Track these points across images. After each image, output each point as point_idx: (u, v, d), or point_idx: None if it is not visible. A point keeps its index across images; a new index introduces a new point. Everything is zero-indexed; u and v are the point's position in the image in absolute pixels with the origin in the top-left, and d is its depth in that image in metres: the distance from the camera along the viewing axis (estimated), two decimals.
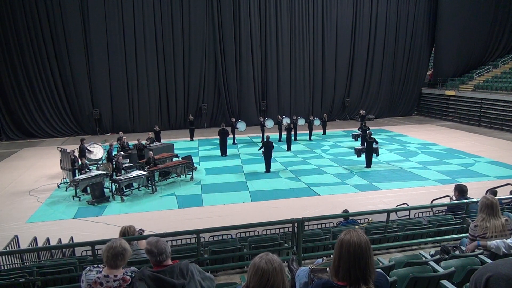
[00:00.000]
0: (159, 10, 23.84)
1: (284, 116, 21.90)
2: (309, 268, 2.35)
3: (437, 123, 25.91)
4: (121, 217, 10.63)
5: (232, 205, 11.44)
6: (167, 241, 2.76)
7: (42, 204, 11.85)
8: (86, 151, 14.60)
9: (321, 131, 22.21)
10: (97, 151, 15.19)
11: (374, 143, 14.97)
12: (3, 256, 6.24)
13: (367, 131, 15.71)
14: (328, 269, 2.27)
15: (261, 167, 15.48)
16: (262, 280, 1.95)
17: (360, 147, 15.77)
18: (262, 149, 14.68)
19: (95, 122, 23.82)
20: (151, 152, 13.47)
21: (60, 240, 8.55)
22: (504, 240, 3.69)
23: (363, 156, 15.27)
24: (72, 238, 8.69)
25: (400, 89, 29.15)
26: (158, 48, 24.21)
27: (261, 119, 20.93)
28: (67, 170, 13.32)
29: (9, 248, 7.14)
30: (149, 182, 12.87)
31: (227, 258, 5.29)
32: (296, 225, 5.15)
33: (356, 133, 18.78)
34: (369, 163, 15.02)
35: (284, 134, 19.38)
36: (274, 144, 19.05)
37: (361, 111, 23.21)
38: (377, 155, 15.47)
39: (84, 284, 2.62)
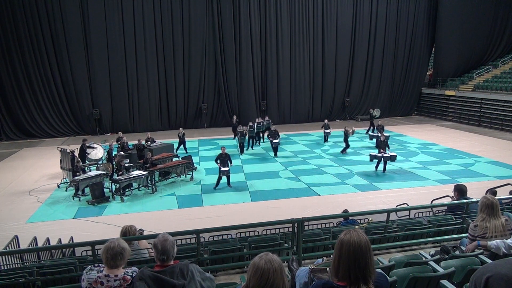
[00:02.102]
0: (159, 10, 23.84)
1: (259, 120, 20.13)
2: (309, 268, 2.35)
3: (437, 123, 25.91)
4: (121, 217, 10.62)
5: (232, 205, 11.44)
6: None
7: (42, 204, 11.84)
8: (86, 152, 14.60)
9: (321, 131, 22.08)
10: (97, 151, 15.18)
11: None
12: (3, 256, 6.23)
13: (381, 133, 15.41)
14: (328, 269, 2.27)
15: (261, 167, 15.50)
16: (262, 280, 1.95)
17: (377, 153, 14.36)
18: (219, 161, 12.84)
19: (95, 122, 23.81)
20: (149, 153, 13.50)
21: (60, 240, 8.55)
22: (504, 240, 3.69)
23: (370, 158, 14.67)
24: (72, 238, 8.69)
25: (400, 89, 29.15)
26: (158, 48, 24.21)
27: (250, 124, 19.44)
28: (67, 170, 13.32)
29: (9, 248, 7.13)
30: (149, 182, 12.88)
31: (227, 258, 5.30)
32: (296, 225, 5.16)
33: (375, 133, 18.65)
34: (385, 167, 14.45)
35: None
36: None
37: (371, 110, 22.45)
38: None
39: (84, 283, 2.63)
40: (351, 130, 17.43)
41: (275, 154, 17.19)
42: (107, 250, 2.62)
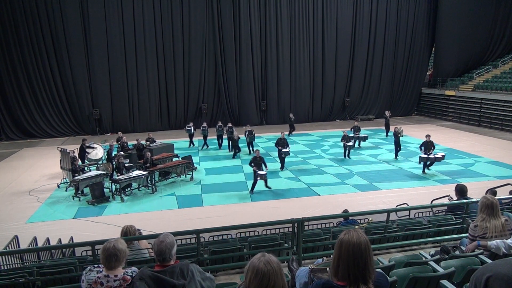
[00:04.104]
0: (159, 10, 23.84)
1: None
2: (309, 268, 2.35)
3: (437, 123, 25.90)
4: (121, 217, 10.62)
5: (232, 205, 11.44)
6: None
7: (42, 204, 11.84)
8: (86, 152, 14.61)
9: (321, 131, 22.03)
10: (97, 151, 15.18)
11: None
12: (3, 256, 6.24)
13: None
14: (328, 269, 2.27)
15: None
16: (263, 283, 1.95)
17: (427, 155, 13.77)
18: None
19: (95, 122, 23.82)
20: (148, 153, 13.50)
21: (60, 240, 8.55)
22: (504, 240, 3.69)
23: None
24: (72, 238, 8.69)
25: (400, 89, 29.15)
26: (158, 48, 24.21)
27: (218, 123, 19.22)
28: (67, 170, 13.32)
29: (9, 248, 7.13)
30: (149, 182, 12.87)
31: (227, 258, 5.30)
32: (296, 225, 5.16)
33: (351, 134, 18.21)
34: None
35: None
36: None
37: (387, 112, 21.48)
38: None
39: (84, 284, 2.63)
40: (401, 129, 15.70)
41: (281, 167, 15.00)
42: (102, 251, 2.63)
